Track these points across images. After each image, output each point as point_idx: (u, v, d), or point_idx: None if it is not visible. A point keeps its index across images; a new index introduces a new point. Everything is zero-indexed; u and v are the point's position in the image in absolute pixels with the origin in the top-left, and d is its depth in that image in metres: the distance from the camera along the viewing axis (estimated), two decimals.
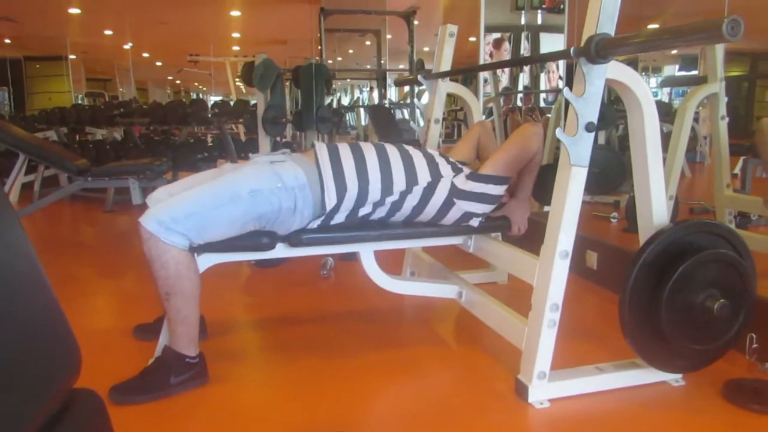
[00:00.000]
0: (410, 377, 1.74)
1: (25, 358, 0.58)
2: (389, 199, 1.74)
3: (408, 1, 6.43)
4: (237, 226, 1.62)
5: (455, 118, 8.80)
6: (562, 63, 4.46)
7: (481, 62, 4.28)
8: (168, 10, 8.15)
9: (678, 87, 4.86)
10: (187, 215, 1.53)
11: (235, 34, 10.76)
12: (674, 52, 4.44)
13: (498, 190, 1.83)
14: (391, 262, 2.18)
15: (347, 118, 8.85)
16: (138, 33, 10.17)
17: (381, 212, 1.77)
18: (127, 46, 10.99)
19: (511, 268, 1.88)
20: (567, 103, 1.47)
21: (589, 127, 1.45)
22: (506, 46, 4.46)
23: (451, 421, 1.48)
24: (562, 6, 4.29)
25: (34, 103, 11.52)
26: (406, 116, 6.86)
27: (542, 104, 4.78)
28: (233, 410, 1.54)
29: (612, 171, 3.35)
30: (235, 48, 12.05)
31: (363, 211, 1.75)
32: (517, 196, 1.97)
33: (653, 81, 4.91)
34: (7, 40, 10.17)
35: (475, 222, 1.86)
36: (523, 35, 4.51)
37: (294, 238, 1.70)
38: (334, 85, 5.91)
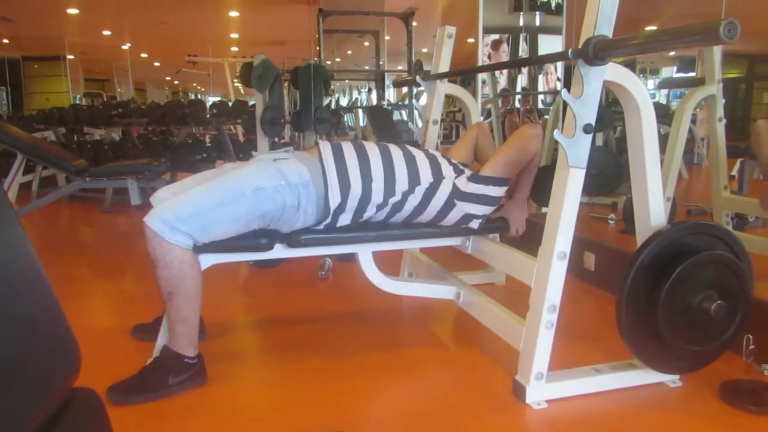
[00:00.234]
0: (408, 378, 1.74)
1: (25, 357, 0.58)
2: (392, 200, 1.74)
3: (406, 3, 6.43)
4: (241, 225, 1.62)
5: (453, 120, 8.81)
6: (560, 64, 4.47)
7: (480, 63, 4.30)
8: (166, 10, 8.13)
9: (676, 89, 4.87)
10: (191, 214, 1.53)
11: (234, 35, 10.75)
12: (672, 53, 4.46)
13: (498, 191, 1.83)
14: (389, 263, 2.19)
15: (345, 118, 8.83)
16: (136, 33, 10.15)
17: (383, 214, 1.78)
18: (125, 47, 10.97)
19: (509, 269, 1.88)
20: (565, 105, 1.47)
21: (587, 129, 1.45)
22: (504, 47, 4.48)
23: (449, 421, 1.49)
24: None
25: (32, 103, 11.52)
26: (405, 117, 6.86)
27: (540, 106, 4.78)
28: (232, 410, 1.54)
29: (610, 172, 3.36)
30: (234, 49, 12.03)
31: (367, 214, 1.75)
32: (515, 198, 1.97)
33: (651, 82, 4.92)
34: (5, 40, 10.15)
35: (474, 224, 1.86)
36: (521, 37, 4.52)
37: (292, 239, 1.70)
38: (332, 86, 5.91)
